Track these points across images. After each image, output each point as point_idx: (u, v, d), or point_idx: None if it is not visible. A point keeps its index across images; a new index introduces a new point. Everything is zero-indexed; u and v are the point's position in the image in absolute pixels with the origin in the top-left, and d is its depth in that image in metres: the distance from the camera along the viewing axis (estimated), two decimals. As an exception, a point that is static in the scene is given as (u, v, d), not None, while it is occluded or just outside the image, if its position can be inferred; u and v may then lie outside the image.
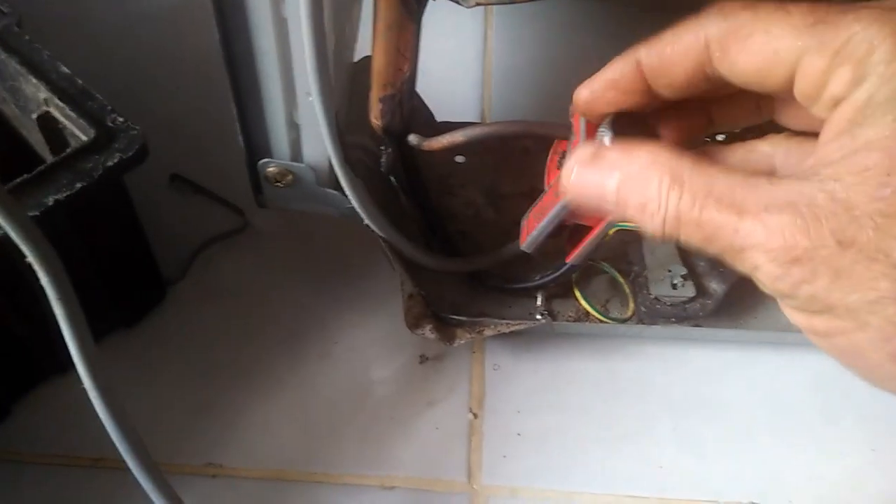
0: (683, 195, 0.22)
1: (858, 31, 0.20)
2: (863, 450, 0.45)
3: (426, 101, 0.49)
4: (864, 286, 0.20)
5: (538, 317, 0.46)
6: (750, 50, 0.22)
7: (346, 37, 0.42)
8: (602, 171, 0.24)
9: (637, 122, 0.28)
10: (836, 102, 0.21)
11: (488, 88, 0.61)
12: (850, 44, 0.20)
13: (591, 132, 0.29)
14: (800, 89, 0.22)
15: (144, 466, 0.34)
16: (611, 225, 0.30)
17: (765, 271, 0.21)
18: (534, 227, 0.32)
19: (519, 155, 0.52)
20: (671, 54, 0.25)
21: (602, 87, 0.27)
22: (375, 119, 0.36)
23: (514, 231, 0.46)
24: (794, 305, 0.22)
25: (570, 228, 0.33)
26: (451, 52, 0.62)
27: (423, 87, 0.47)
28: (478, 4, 0.28)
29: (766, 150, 0.27)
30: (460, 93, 0.60)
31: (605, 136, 0.27)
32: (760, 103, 0.27)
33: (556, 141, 0.34)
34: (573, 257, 0.32)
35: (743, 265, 0.22)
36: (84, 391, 0.31)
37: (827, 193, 0.20)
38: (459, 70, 0.61)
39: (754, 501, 0.43)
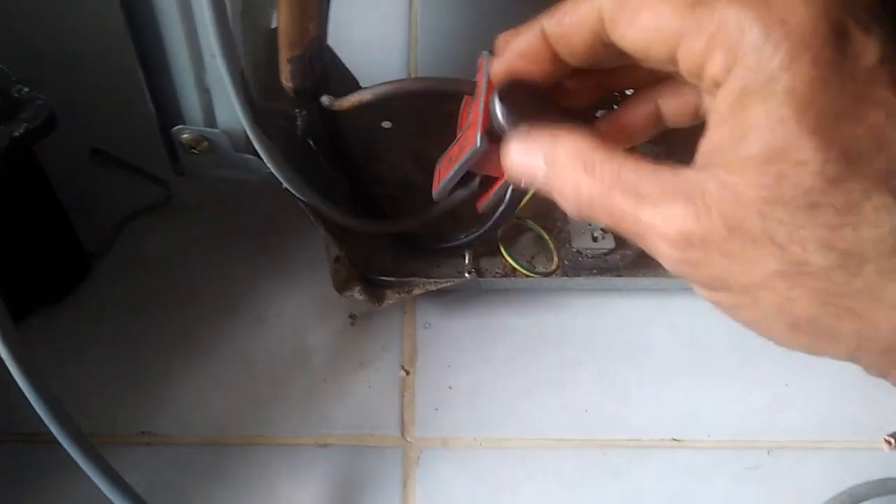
0: (595, 182, 0.23)
1: (731, 16, 0.21)
2: (777, 385, 0.47)
3: (351, 67, 0.49)
4: (754, 266, 0.21)
5: (466, 274, 0.47)
6: (637, 25, 0.23)
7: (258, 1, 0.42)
8: (533, 155, 0.25)
9: (533, 91, 0.29)
10: (717, 84, 0.22)
11: (414, 54, 0.61)
12: (723, 28, 0.21)
13: (490, 90, 0.30)
14: (683, 68, 0.23)
15: (72, 436, 0.34)
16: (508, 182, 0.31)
17: (665, 255, 0.23)
18: (443, 176, 0.33)
19: (446, 119, 0.53)
20: (569, 24, 0.26)
21: (514, 58, 0.29)
22: (285, 80, 0.36)
23: (440, 192, 0.47)
24: (696, 283, 0.24)
25: (479, 178, 0.34)
26: (376, 18, 0.62)
27: (348, 54, 0.48)
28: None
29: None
30: (386, 59, 0.60)
31: (497, 109, 0.28)
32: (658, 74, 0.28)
33: (466, 97, 0.35)
34: (482, 206, 0.33)
35: (647, 248, 0.23)
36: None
37: (718, 182, 0.21)
38: (385, 36, 0.62)
39: (675, 437, 0.45)
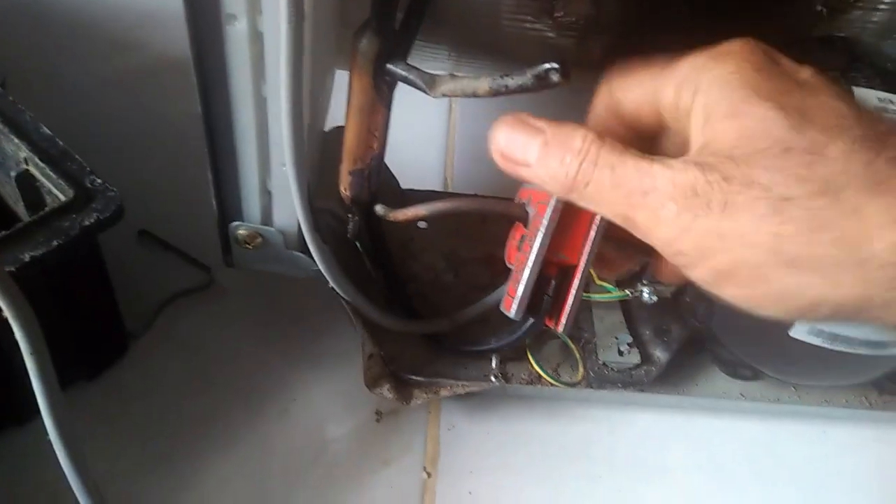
0: (605, 144, 0.27)
1: (689, 62, 0.27)
2: (796, 513, 0.47)
3: (392, 167, 0.52)
4: (746, 211, 0.24)
5: (493, 379, 0.48)
6: (631, 92, 0.29)
7: (319, 107, 0.44)
8: (529, 131, 0.28)
9: None
10: (688, 112, 0.27)
11: (451, 158, 0.64)
12: (685, 73, 0.27)
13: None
14: (665, 114, 0.28)
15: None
16: (584, 279, 0.32)
17: (665, 211, 0.25)
18: (514, 293, 0.33)
19: (478, 222, 0.55)
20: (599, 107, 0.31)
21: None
22: (345, 190, 0.38)
23: (471, 294, 0.49)
24: (690, 246, 0.25)
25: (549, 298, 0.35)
26: (417, 123, 0.65)
27: (389, 155, 0.50)
28: (443, 96, 0.31)
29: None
30: (425, 161, 0.63)
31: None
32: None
33: (515, 225, 0.36)
34: (562, 326, 0.33)
35: (644, 211, 0.25)
36: (40, 443, 0.32)
37: (709, 150, 0.25)
38: (424, 140, 0.65)
39: (693, 562, 0.45)
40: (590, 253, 0.32)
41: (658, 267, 0.33)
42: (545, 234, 0.31)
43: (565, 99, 0.32)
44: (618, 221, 0.27)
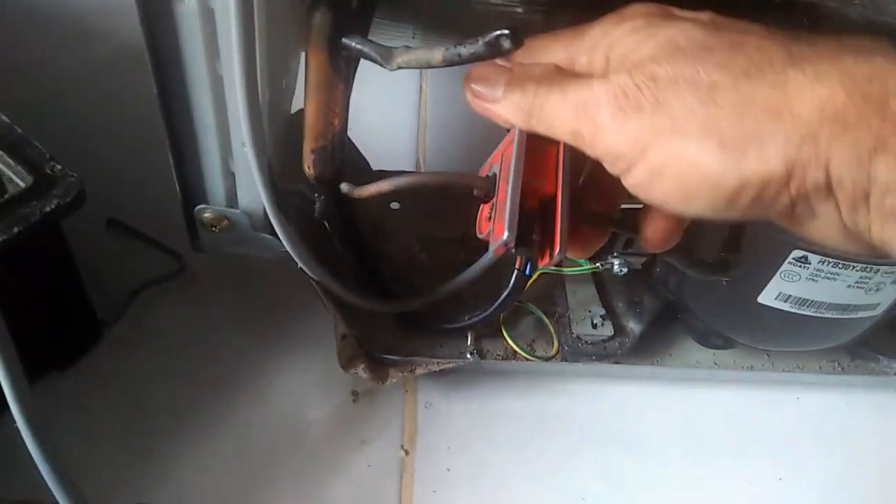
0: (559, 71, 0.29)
1: (598, 32, 0.29)
2: (769, 478, 0.48)
3: (363, 150, 0.51)
4: (675, 102, 0.25)
5: (468, 356, 0.48)
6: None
7: (283, 89, 0.44)
8: (497, 69, 0.30)
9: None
10: (604, 71, 0.28)
11: (423, 139, 0.64)
12: (597, 40, 0.29)
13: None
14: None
15: (75, 506, 0.35)
16: (568, 203, 0.32)
17: (603, 117, 0.26)
18: (502, 215, 0.32)
19: (451, 202, 0.55)
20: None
21: None
22: (308, 168, 0.38)
23: (446, 274, 0.49)
24: (626, 147, 0.26)
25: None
26: (388, 104, 0.65)
27: (361, 137, 0.50)
28: (399, 68, 0.31)
29: None
30: (396, 143, 0.63)
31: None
32: None
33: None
34: (558, 247, 0.31)
35: (587, 122, 0.27)
36: (12, 433, 0.32)
37: (639, 61, 0.26)
38: (396, 121, 0.64)
39: (670, 530, 0.45)
40: (565, 175, 0.32)
41: (642, 233, 0.33)
42: (518, 149, 0.31)
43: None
44: (570, 139, 0.28)
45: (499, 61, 0.31)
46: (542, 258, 0.33)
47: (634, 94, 0.26)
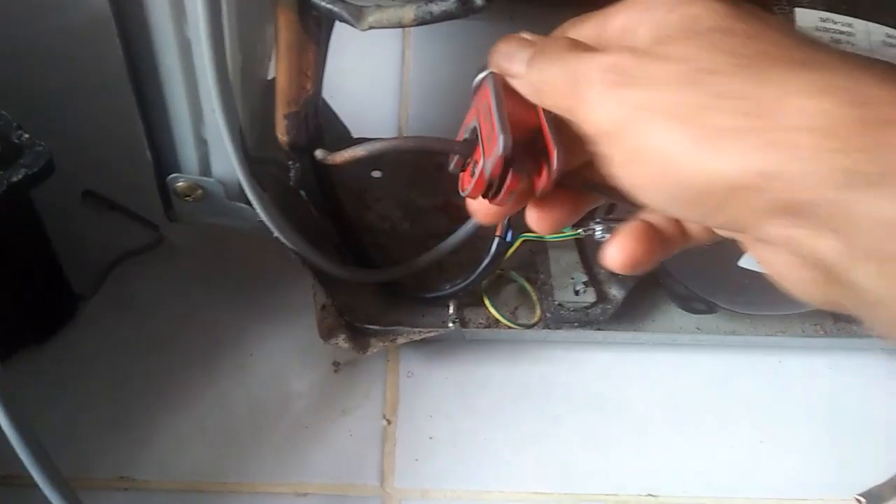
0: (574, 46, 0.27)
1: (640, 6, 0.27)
2: (752, 442, 0.48)
3: (345, 117, 0.51)
4: (666, 81, 0.24)
5: (450, 324, 0.48)
6: (580, 33, 0.29)
7: (257, 55, 0.43)
8: (521, 44, 0.29)
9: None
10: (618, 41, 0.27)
11: (405, 105, 0.63)
12: (629, 16, 0.27)
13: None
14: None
15: (52, 480, 0.34)
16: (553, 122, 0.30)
17: (593, 92, 0.25)
18: (493, 129, 0.29)
19: (433, 170, 0.54)
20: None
21: None
22: (281, 135, 0.37)
23: (428, 243, 0.48)
24: (610, 124, 0.25)
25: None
26: (370, 70, 0.64)
27: (341, 104, 0.49)
28: (370, 28, 0.30)
29: None
30: (378, 109, 0.62)
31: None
32: None
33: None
34: (555, 156, 0.29)
35: (580, 97, 0.25)
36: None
37: (649, 38, 0.25)
38: (378, 87, 0.63)
39: (651, 493, 0.45)
40: (547, 113, 0.31)
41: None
42: (496, 88, 0.29)
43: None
44: (565, 114, 0.27)
45: (524, 35, 0.29)
46: (540, 175, 0.32)
47: (629, 69, 0.24)
